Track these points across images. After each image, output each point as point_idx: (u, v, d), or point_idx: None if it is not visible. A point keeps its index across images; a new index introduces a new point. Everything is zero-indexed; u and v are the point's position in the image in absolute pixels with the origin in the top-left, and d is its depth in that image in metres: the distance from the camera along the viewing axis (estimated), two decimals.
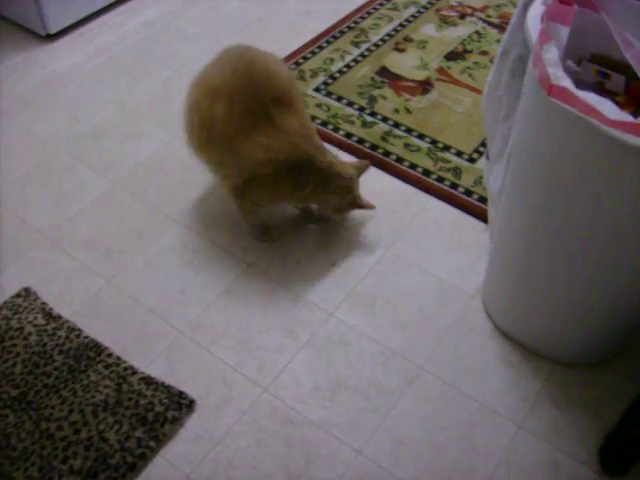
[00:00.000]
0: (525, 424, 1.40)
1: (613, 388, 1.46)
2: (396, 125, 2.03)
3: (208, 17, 2.47)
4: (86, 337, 1.51)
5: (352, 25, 2.42)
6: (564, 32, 1.17)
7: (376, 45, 2.33)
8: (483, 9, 2.50)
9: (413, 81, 2.18)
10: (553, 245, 1.31)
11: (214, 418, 1.41)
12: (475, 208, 1.80)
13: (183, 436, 1.38)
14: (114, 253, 1.71)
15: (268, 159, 1.53)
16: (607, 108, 1.01)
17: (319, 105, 2.10)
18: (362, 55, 2.29)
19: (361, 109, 2.09)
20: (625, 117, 1.00)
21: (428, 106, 2.10)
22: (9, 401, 1.40)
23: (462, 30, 2.39)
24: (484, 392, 1.45)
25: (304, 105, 1.64)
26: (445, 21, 2.44)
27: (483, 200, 1.81)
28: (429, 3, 2.52)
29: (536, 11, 1.16)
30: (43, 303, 1.58)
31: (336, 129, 2.02)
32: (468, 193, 1.84)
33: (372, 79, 2.19)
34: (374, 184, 1.82)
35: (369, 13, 2.48)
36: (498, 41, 2.33)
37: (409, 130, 2.02)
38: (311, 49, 2.31)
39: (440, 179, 1.88)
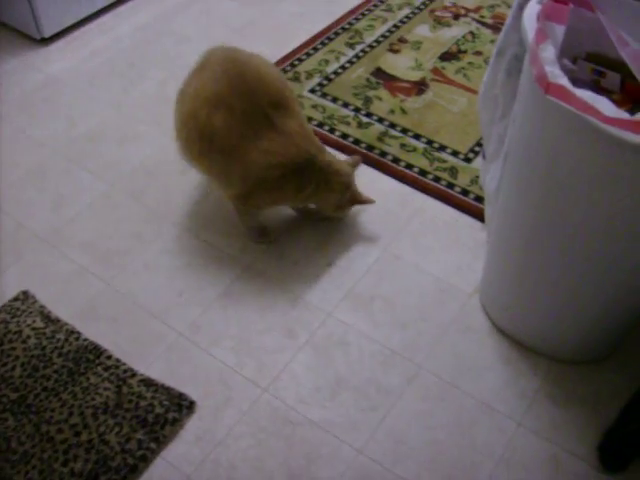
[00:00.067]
0: (524, 421, 1.41)
1: (611, 384, 1.47)
2: (392, 126, 2.04)
3: (201, 20, 2.48)
4: (85, 340, 1.51)
5: (346, 26, 2.43)
6: (560, 31, 1.18)
7: (371, 46, 2.34)
8: (477, 10, 2.51)
9: (408, 82, 2.19)
10: (550, 243, 1.31)
11: (214, 419, 1.41)
12: (471, 207, 1.81)
13: (184, 437, 1.38)
14: (112, 255, 1.71)
15: (275, 164, 1.54)
16: (604, 106, 1.01)
17: (315, 106, 2.11)
18: (357, 56, 2.29)
19: (357, 110, 2.09)
20: (622, 114, 1.00)
21: (423, 106, 2.11)
22: (9, 404, 1.40)
23: (456, 31, 2.41)
24: (483, 390, 1.46)
25: (299, 105, 1.64)
26: (439, 22, 2.45)
27: (479, 199, 1.82)
28: (423, 4, 2.53)
29: (532, 10, 1.17)
30: (41, 306, 1.58)
31: (332, 130, 2.03)
32: (464, 193, 1.85)
33: (367, 80, 2.20)
34: (371, 184, 1.82)
35: (363, 14, 2.49)
36: (492, 41, 2.34)
37: (405, 130, 2.03)
38: (306, 51, 2.32)
39: (436, 179, 1.89)
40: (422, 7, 2.52)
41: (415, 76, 2.21)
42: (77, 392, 1.42)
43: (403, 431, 1.40)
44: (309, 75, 2.22)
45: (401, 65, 2.26)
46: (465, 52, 2.31)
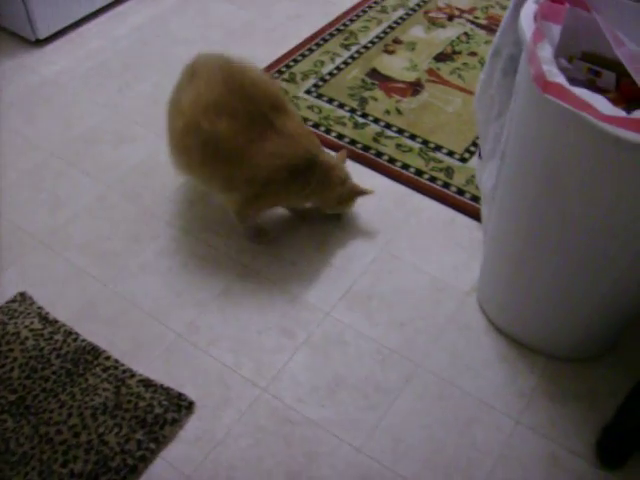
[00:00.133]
0: (522, 419, 1.42)
1: (607, 381, 1.48)
2: (387, 126, 2.05)
3: (197, 21, 2.48)
4: (83, 340, 1.51)
5: (341, 28, 2.44)
6: (556, 30, 1.19)
7: (366, 47, 2.35)
8: (471, 11, 2.52)
9: (403, 82, 2.20)
10: (546, 241, 1.32)
11: (213, 419, 1.41)
12: (467, 207, 1.82)
13: (183, 438, 1.38)
14: (109, 256, 1.71)
15: (282, 165, 1.55)
16: (601, 104, 1.02)
17: (310, 107, 2.11)
18: (352, 57, 2.30)
19: (352, 111, 2.10)
20: (619, 112, 1.01)
21: (419, 107, 2.12)
22: (7, 406, 1.40)
23: (450, 32, 2.42)
24: (481, 388, 1.47)
25: (293, 107, 1.66)
26: (433, 23, 2.46)
27: (475, 199, 1.83)
28: (417, 5, 2.54)
29: (529, 10, 1.17)
30: (39, 308, 1.57)
31: (328, 131, 2.04)
32: (460, 192, 1.86)
33: (362, 81, 2.21)
34: (367, 184, 1.82)
35: (358, 16, 2.50)
36: (486, 42, 2.36)
37: (400, 131, 2.03)
38: (301, 52, 2.32)
39: (432, 179, 1.90)
40: (416, 8, 2.53)
41: (410, 77, 2.22)
42: (76, 393, 1.42)
43: (402, 429, 1.40)
44: (305, 76, 2.23)
45: (396, 66, 2.26)
46: (460, 53, 2.32)
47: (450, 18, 2.48)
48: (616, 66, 1.17)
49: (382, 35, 2.40)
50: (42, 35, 2.31)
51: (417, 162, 1.94)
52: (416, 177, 1.90)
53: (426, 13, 2.51)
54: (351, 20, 2.48)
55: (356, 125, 2.05)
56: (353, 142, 2.00)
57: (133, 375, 1.45)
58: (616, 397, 1.39)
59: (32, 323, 1.54)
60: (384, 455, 1.36)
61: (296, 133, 1.58)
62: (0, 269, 1.67)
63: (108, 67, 2.27)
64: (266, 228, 1.76)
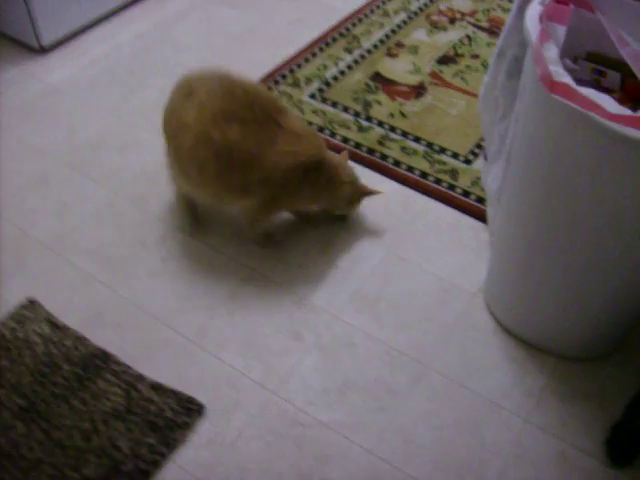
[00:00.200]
0: (531, 418, 1.42)
1: (616, 380, 1.48)
2: (392, 129, 2.06)
3: (200, 27, 2.49)
4: (93, 345, 1.51)
5: (344, 32, 2.45)
6: (561, 31, 1.20)
7: (368, 51, 2.36)
8: (472, 13, 2.53)
9: (407, 85, 2.21)
10: (553, 241, 1.33)
11: (224, 422, 1.41)
12: (473, 208, 1.83)
13: (194, 441, 1.39)
14: (117, 262, 1.71)
15: (295, 164, 1.57)
16: (607, 103, 1.03)
17: (315, 111, 2.12)
18: (355, 61, 2.31)
19: (356, 114, 2.11)
20: (625, 111, 1.02)
21: (422, 110, 2.12)
22: (18, 411, 1.40)
23: (452, 34, 2.43)
24: (490, 388, 1.47)
25: (293, 110, 1.68)
26: (435, 26, 2.47)
27: (481, 200, 1.83)
28: (419, 9, 2.56)
29: (534, 11, 1.18)
30: (48, 313, 1.58)
31: (333, 134, 2.05)
32: (466, 194, 1.86)
33: (366, 84, 2.22)
34: (373, 187, 1.83)
35: (360, 20, 2.51)
36: (489, 44, 2.37)
37: (405, 134, 2.04)
38: (305, 56, 2.33)
39: (437, 181, 1.90)
40: (418, 12, 2.54)
41: (413, 80, 2.23)
42: (86, 398, 1.42)
43: (412, 430, 1.40)
44: (308, 80, 2.24)
45: (399, 69, 2.27)
46: (462, 55, 2.33)
47: (452, 21, 2.49)
48: (621, 66, 1.18)
49: (384, 39, 2.41)
50: (46, 42, 2.32)
51: (422, 164, 1.95)
52: (421, 179, 1.91)
53: (428, 16, 2.52)
54: (353, 24, 2.49)
55: (360, 128, 2.06)
56: (358, 145, 2.01)
57: (143, 379, 1.46)
58: (625, 395, 1.39)
59: (41, 329, 1.54)
60: (395, 456, 1.37)
61: (304, 132, 1.61)
62: (8, 276, 1.68)
63: (112, 74, 2.28)
64: (272, 232, 1.77)
